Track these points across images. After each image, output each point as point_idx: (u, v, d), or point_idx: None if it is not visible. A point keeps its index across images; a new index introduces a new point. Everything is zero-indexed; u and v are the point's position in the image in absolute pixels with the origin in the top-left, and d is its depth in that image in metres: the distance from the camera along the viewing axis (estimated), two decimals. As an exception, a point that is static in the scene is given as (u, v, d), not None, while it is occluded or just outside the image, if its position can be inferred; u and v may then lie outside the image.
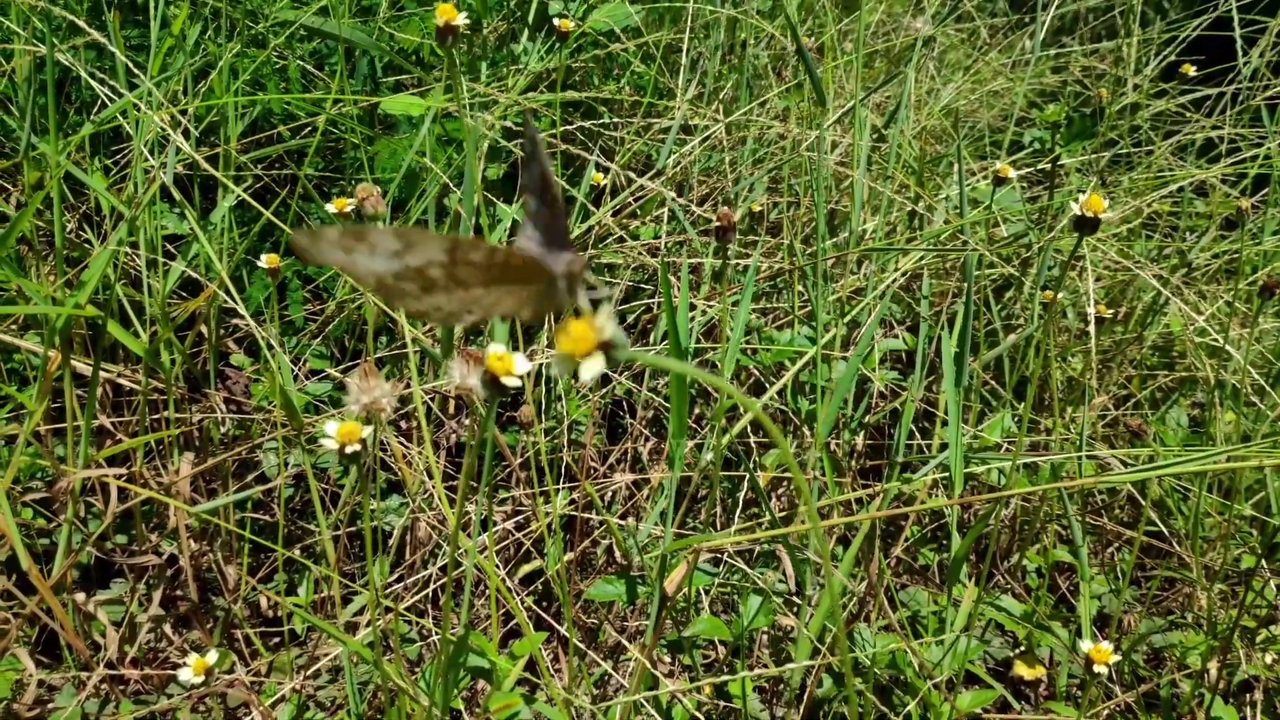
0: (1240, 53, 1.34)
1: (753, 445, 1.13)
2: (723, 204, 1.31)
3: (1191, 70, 1.30)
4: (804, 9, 1.73)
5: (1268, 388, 0.99)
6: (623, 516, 1.10)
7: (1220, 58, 1.41)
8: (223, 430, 1.06)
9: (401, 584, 0.97)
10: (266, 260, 0.87)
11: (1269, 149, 1.31)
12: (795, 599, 0.98)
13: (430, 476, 0.95)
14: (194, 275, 1.05)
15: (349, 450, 0.58)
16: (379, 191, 0.75)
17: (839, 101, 1.43)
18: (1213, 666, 0.85)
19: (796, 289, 1.15)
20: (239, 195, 0.98)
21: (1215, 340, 1.16)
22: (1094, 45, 1.98)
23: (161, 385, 0.98)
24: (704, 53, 1.32)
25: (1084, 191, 1.24)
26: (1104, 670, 0.62)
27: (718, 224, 0.65)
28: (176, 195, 0.95)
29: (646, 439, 1.17)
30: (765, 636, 1.01)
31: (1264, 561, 1.01)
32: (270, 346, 0.93)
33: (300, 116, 1.16)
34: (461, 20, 0.61)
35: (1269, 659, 0.92)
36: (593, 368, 0.30)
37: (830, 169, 1.29)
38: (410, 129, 1.15)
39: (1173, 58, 1.49)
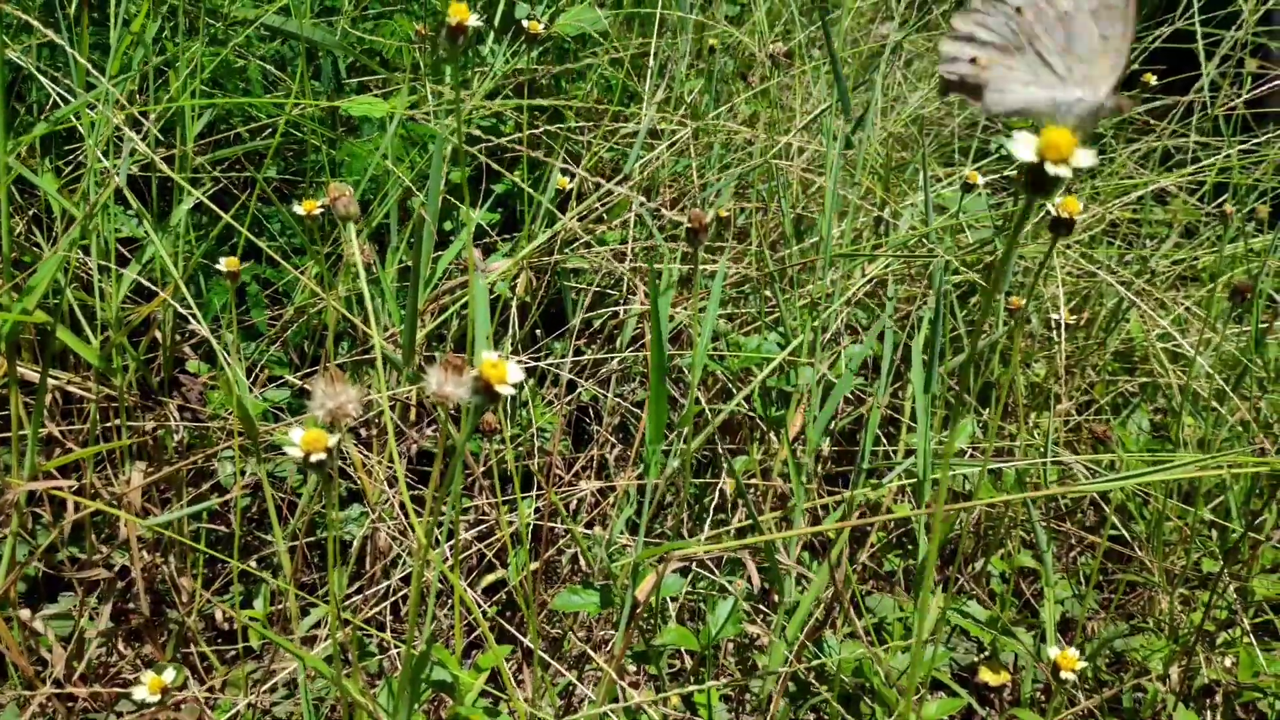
0: (1201, 63, 1.37)
1: (720, 452, 1.13)
2: (692, 208, 1.30)
3: (1153, 79, 1.32)
4: (772, 15, 1.74)
5: (1228, 392, 1.00)
6: (589, 524, 1.09)
7: (1181, 67, 1.43)
8: (177, 439, 1.03)
9: (361, 595, 0.95)
10: (225, 264, 0.85)
11: (1228, 158, 1.33)
12: (762, 606, 0.98)
13: (391, 485, 0.93)
14: (149, 280, 1.03)
15: (314, 459, 0.56)
16: (351, 191, 0.73)
17: (806, 107, 1.43)
18: (1174, 671, 0.86)
19: (764, 294, 1.15)
20: (196, 198, 0.96)
21: (1176, 346, 1.18)
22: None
23: (113, 393, 0.96)
24: (672, 57, 1.32)
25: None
26: (1070, 677, 0.62)
27: (689, 225, 0.64)
28: (131, 198, 0.92)
29: (613, 445, 1.16)
30: (731, 645, 1.00)
31: (1224, 565, 1.02)
32: (226, 353, 0.91)
33: (261, 117, 1.14)
34: (474, 21, 0.59)
35: (1229, 662, 0.93)
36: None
37: (798, 175, 1.29)
38: (375, 131, 1.13)
39: (1135, 66, 1.51)
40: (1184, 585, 1.01)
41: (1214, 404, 1.15)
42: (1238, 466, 0.81)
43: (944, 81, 0.42)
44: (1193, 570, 1.03)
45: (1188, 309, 1.27)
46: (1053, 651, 0.65)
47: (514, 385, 0.49)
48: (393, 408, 1.02)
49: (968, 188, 0.97)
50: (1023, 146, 0.36)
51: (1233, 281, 0.94)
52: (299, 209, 0.80)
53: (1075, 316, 1.28)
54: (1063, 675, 0.63)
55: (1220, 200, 1.31)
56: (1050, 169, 0.36)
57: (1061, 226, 0.57)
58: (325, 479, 0.59)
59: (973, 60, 0.42)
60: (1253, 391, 1.17)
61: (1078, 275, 1.28)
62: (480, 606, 0.92)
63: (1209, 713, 0.89)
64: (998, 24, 0.43)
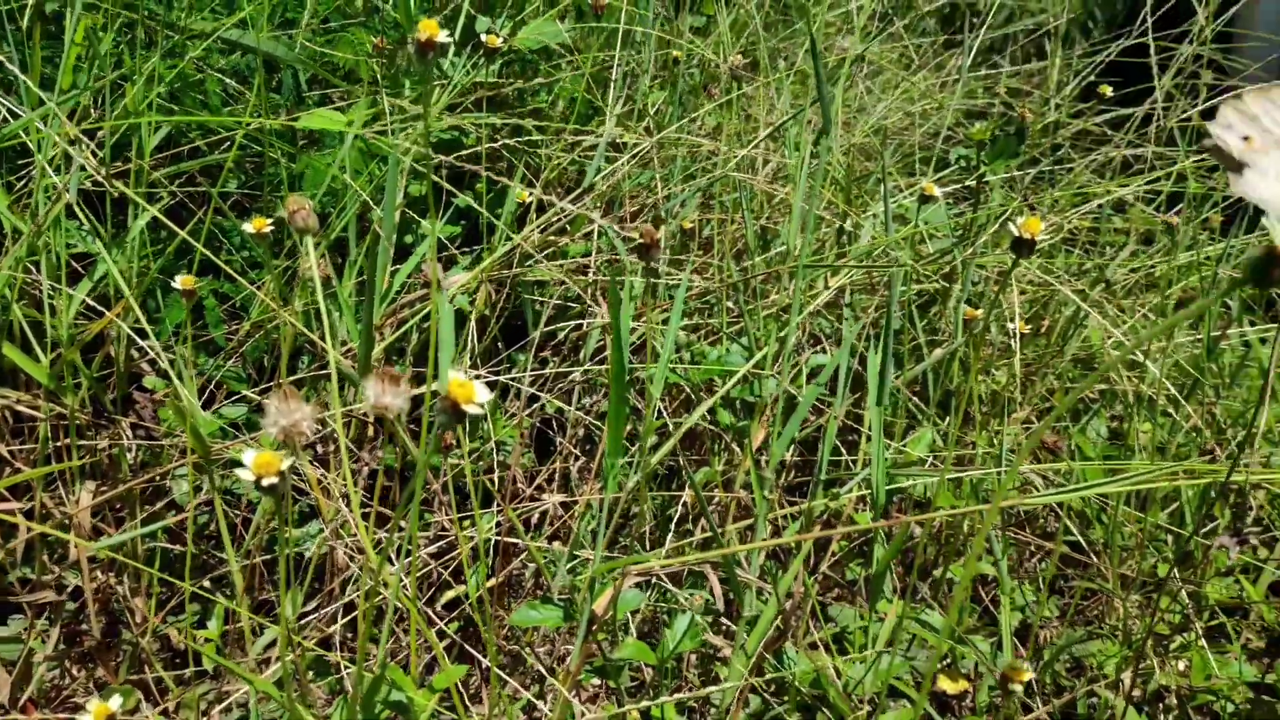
0: (1155, 76, 1.39)
1: (682, 463, 1.13)
2: (652, 221, 1.31)
3: (1109, 91, 1.34)
4: (736, 28, 1.75)
5: (1180, 400, 1.01)
6: (553, 538, 1.09)
7: (1136, 79, 1.46)
8: (131, 456, 1.02)
9: (318, 614, 0.95)
10: (181, 281, 0.84)
11: (1182, 167, 1.35)
12: (725, 619, 0.98)
13: (348, 502, 0.93)
14: (105, 296, 1.02)
15: (266, 483, 0.56)
16: (309, 204, 0.73)
17: (769, 119, 1.44)
18: (1127, 676, 0.87)
19: (725, 305, 1.15)
20: (151, 214, 0.95)
21: (1133, 354, 1.19)
22: (1021, 66, 2.04)
23: (65, 411, 0.94)
24: (635, 70, 1.32)
25: (1006, 209, 1.27)
26: (1018, 689, 0.62)
27: (641, 241, 0.65)
28: (80, 213, 0.91)
29: (576, 458, 1.16)
30: (694, 657, 1.00)
31: (1176, 570, 1.03)
32: (177, 370, 0.90)
33: (220, 131, 1.13)
34: (444, 38, 0.59)
35: (1182, 665, 0.94)
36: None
37: (762, 186, 1.30)
38: (336, 144, 1.12)
39: (1092, 79, 1.53)
40: (1139, 590, 1.03)
41: (1170, 410, 1.17)
42: (1183, 477, 0.82)
43: (1208, 137, 0.42)
44: (1148, 575, 1.04)
45: (1144, 316, 1.29)
46: (1000, 663, 0.65)
47: (481, 405, 0.49)
48: (350, 424, 1.02)
49: (925, 199, 0.98)
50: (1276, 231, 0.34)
51: (1182, 292, 0.96)
52: (249, 227, 0.79)
53: (1033, 325, 1.30)
54: (1012, 687, 0.63)
55: (1176, 209, 1.33)
56: None
57: (1023, 247, 0.57)
58: (279, 501, 0.58)
59: (1245, 138, 0.43)
60: (1206, 397, 1.19)
61: (1037, 284, 1.30)
62: (439, 624, 0.91)
63: (1163, 716, 0.90)
64: None
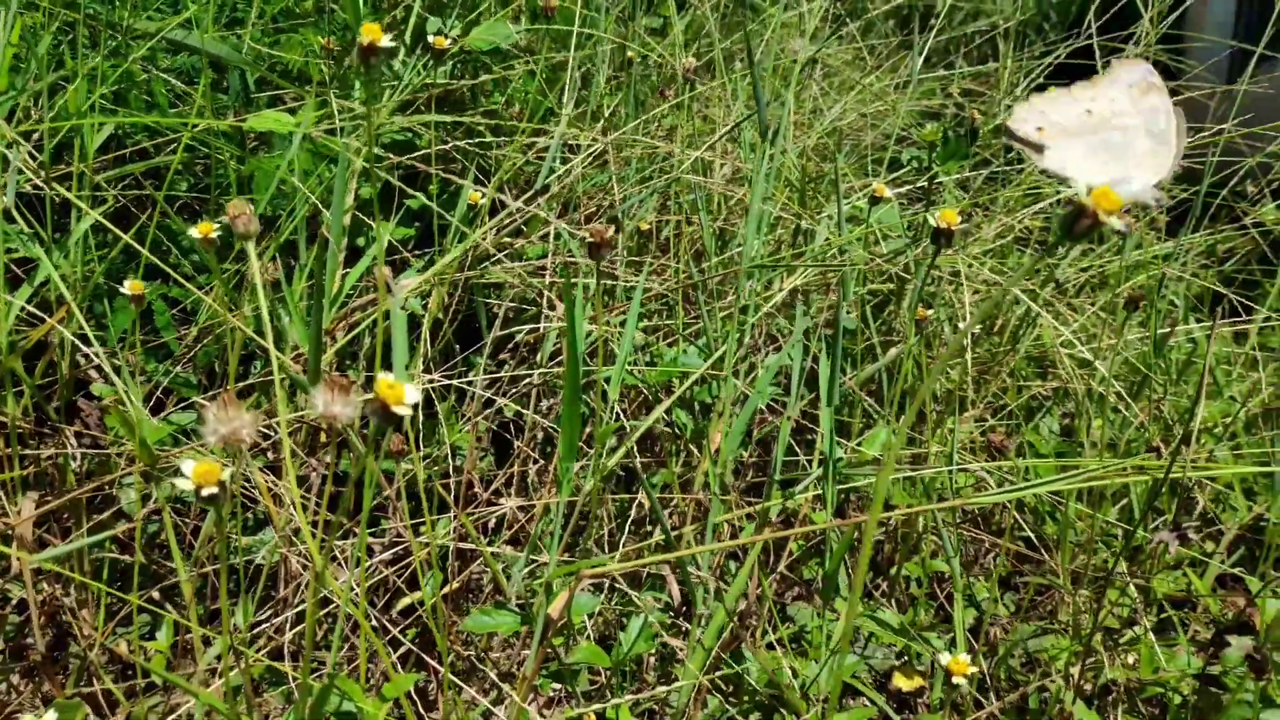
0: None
1: (638, 465, 1.12)
2: (608, 222, 1.31)
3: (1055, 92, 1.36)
4: (694, 28, 1.75)
5: (1128, 398, 1.03)
6: (512, 542, 1.08)
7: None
8: (76, 465, 0.99)
9: (270, 623, 0.93)
10: (130, 285, 0.82)
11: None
12: (683, 620, 0.98)
13: (303, 509, 0.91)
14: (47, 302, 0.99)
15: (205, 493, 0.55)
16: (251, 209, 0.72)
17: (726, 120, 1.45)
18: (1076, 670, 0.88)
19: (682, 307, 1.15)
20: (94, 218, 0.93)
21: (1083, 351, 1.21)
22: (977, 67, 2.06)
23: (4, 420, 0.92)
24: (590, 71, 1.32)
25: (957, 208, 1.28)
26: (962, 682, 0.63)
27: (590, 240, 0.64)
28: (19, 218, 0.89)
29: (535, 461, 1.15)
30: (654, 659, 1.00)
31: (1125, 565, 1.05)
32: (121, 376, 0.88)
33: (166, 133, 1.11)
34: (386, 42, 0.58)
35: (1131, 659, 0.96)
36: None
37: (719, 187, 1.30)
38: (285, 145, 1.11)
39: (1041, 80, 1.56)
40: (1090, 586, 1.04)
41: (1119, 407, 1.19)
42: (1126, 473, 0.84)
43: (1009, 130, 0.48)
44: (1099, 571, 1.06)
45: (1095, 314, 1.31)
46: (943, 657, 0.66)
47: (411, 406, 0.49)
48: (302, 430, 1.00)
49: (875, 200, 0.99)
50: (1081, 188, 0.39)
51: (1128, 292, 0.98)
52: (195, 232, 0.77)
53: (987, 324, 1.31)
54: (955, 680, 0.64)
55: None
56: (1102, 216, 0.39)
57: (941, 237, 0.59)
58: (219, 511, 0.57)
59: (1039, 128, 0.50)
60: (1154, 394, 1.21)
61: (990, 284, 1.32)
62: (393, 631, 0.90)
63: (1111, 709, 0.92)
64: (1068, 113, 0.51)
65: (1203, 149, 1.28)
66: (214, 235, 0.81)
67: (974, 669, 0.66)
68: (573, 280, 1.04)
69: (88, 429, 1.04)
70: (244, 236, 0.71)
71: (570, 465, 0.76)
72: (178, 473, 0.53)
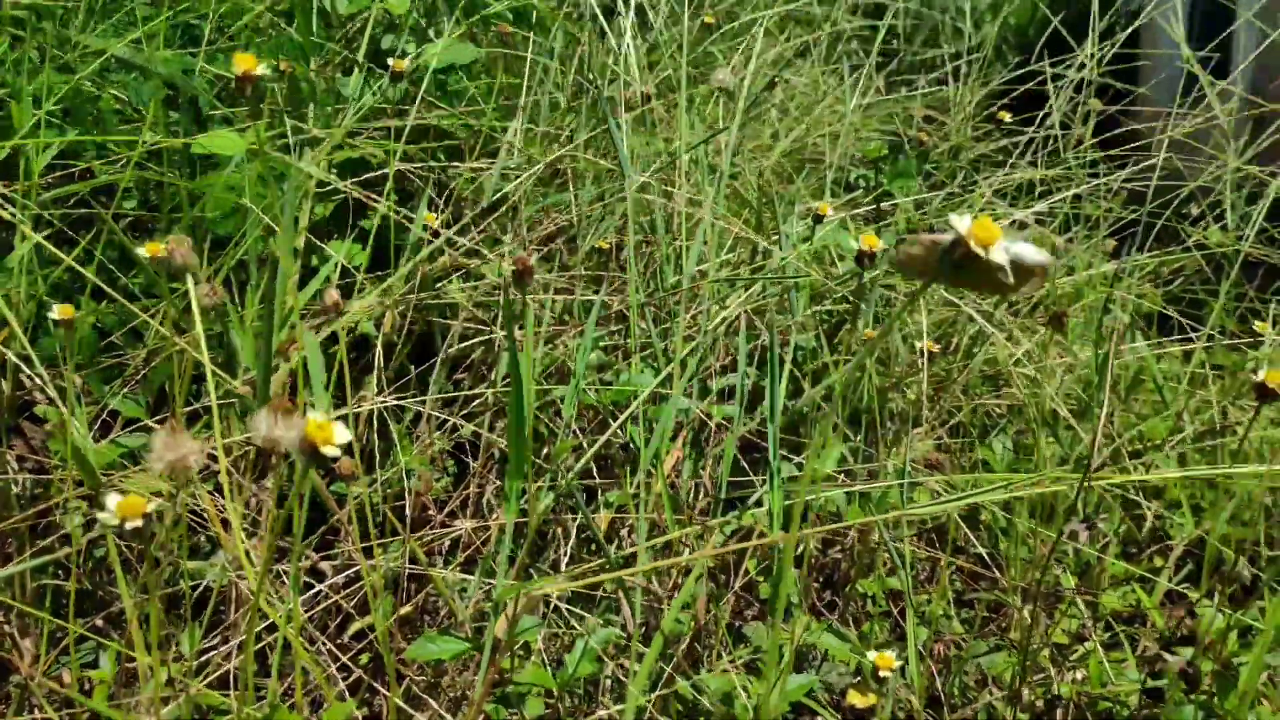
0: (1050, 102, 1.45)
1: (596, 484, 1.12)
2: (518, 251, 1.31)
3: (1007, 116, 1.39)
4: (657, 53, 1.77)
5: (1070, 418, 1.05)
6: (468, 563, 1.07)
7: (1032, 105, 1.51)
8: (19, 489, 0.97)
9: (218, 650, 0.92)
10: (59, 310, 0.81)
11: (1079, 190, 1.41)
12: (637, 642, 0.98)
13: (250, 536, 0.90)
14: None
15: (130, 526, 0.54)
16: (190, 242, 0.71)
17: (686, 141, 1.46)
18: (1025, 687, 0.89)
19: (637, 326, 1.16)
20: (35, 240, 0.92)
21: (1034, 370, 1.23)
22: (938, 89, 2.10)
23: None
24: (543, 94, 1.33)
25: (913, 229, 1.30)
26: (889, 675, 0.66)
27: (515, 268, 0.64)
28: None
29: (492, 481, 1.15)
30: (609, 681, 0.99)
31: (1075, 581, 1.07)
32: (67, 399, 0.86)
33: (115, 151, 1.09)
34: (262, 69, 0.59)
35: (1080, 675, 0.97)
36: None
37: (678, 208, 1.31)
38: (237, 165, 1.10)
39: (996, 103, 1.59)
40: (1043, 601, 1.06)
41: (1071, 423, 1.21)
42: (1041, 485, 0.85)
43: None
44: (1050, 587, 1.07)
45: (1045, 333, 1.33)
46: (871, 654, 0.67)
47: (339, 447, 0.48)
48: (250, 453, 0.99)
49: (818, 219, 1.00)
50: (959, 223, 0.37)
51: (1053, 310, 1.00)
52: (143, 251, 0.77)
53: (943, 343, 1.33)
54: (881, 674, 0.66)
55: (1071, 233, 1.38)
56: (975, 246, 0.36)
57: (864, 259, 0.61)
58: (148, 543, 0.56)
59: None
60: (1098, 412, 1.23)
61: (944, 304, 1.34)
62: (343, 659, 0.89)
63: (1059, 725, 0.93)
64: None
65: (1148, 172, 1.32)
66: (162, 255, 0.80)
67: (896, 672, 0.67)
68: (511, 301, 1.04)
69: (32, 452, 1.02)
70: (181, 270, 0.71)
71: (518, 484, 0.76)
72: (102, 507, 0.52)
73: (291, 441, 0.51)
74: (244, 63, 0.58)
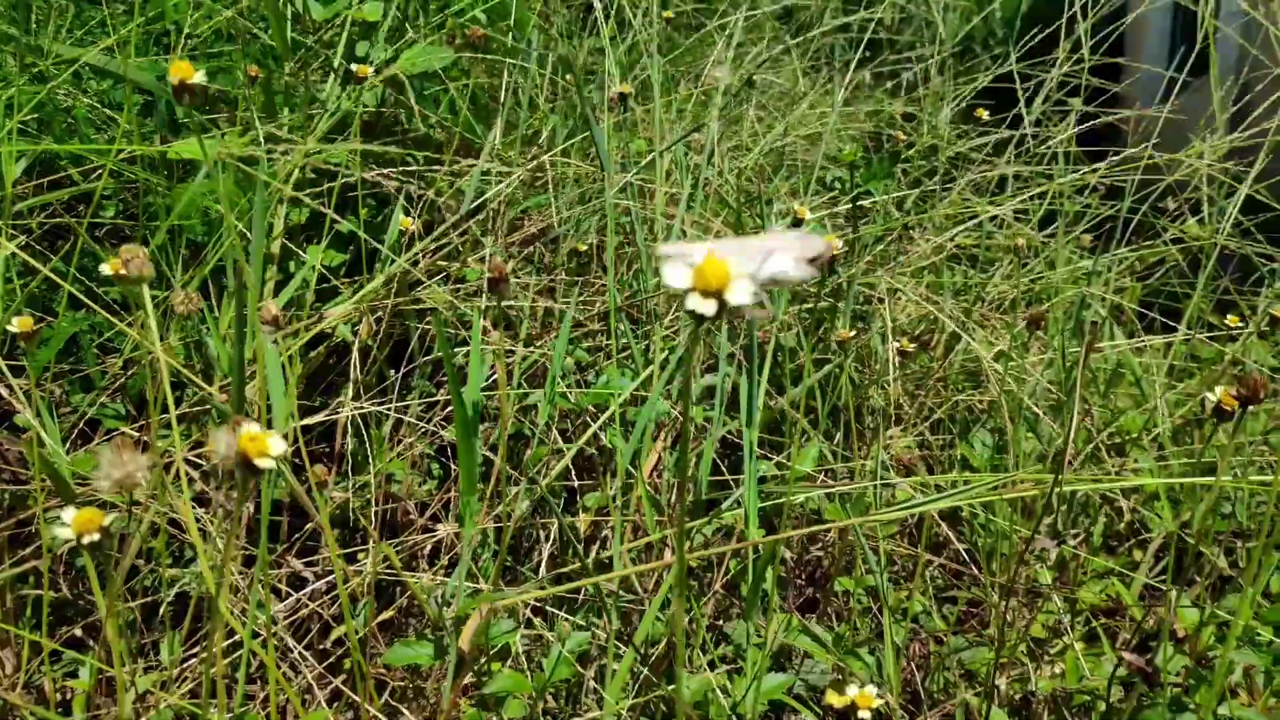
0: (1020, 101, 1.45)
1: (576, 486, 1.13)
2: (549, 243, 1.31)
3: (985, 114, 1.39)
4: (637, 51, 1.76)
5: (1041, 415, 1.05)
6: (450, 567, 1.07)
7: (1008, 105, 1.52)
8: (-4, 501, 0.97)
9: (198, 657, 0.92)
10: (18, 324, 0.80)
11: (1057, 186, 1.42)
12: (622, 644, 0.98)
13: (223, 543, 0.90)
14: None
15: (86, 540, 0.54)
16: (145, 253, 0.71)
17: (663, 142, 1.46)
18: (1002, 681, 0.90)
19: (616, 329, 1.16)
20: (9, 249, 0.91)
21: (1010, 369, 1.24)
22: (917, 89, 2.10)
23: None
24: (525, 97, 1.33)
25: (890, 228, 1.31)
26: (867, 716, 0.65)
27: (489, 276, 0.65)
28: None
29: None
30: (591, 684, 1.00)
31: (1052, 575, 1.07)
32: (40, 410, 0.86)
33: (90, 159, 1.09)
34: (200, 79, 0.58)
35: (1058, 669, 0.98)
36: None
37: (658, 209, 1.31)
38: (211, 172, 1.10)
39: (974, 100, 1.59)
40: (1020, 597, 1.06)
41: (1048, 420, 1.22)
42: (1014, 487, 0.86)
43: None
44: (1029, 583, 1.08)
45: (1023, 330, 1.34)
46: (851, 690, 0.67)
47: (274, 459, 0.48)
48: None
49: (797, 222, 1.00)
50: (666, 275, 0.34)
51: (1029, 312, 1.00)
52: (105, 268, 0.76)
53: (920, 341, 1.34)
54: (861, 714, 0.66)
55: (1050, 229, 1.39)
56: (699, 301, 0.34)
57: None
58: (106, 557, 0.56)
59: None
60: (1074, 408, 1.24)
61: (923, 301, 1.34)
62: (317, 667, 0.89)
63: (1036, 719, 0.94)
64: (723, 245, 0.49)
65: (1127, 167, 1.32)
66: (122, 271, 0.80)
67: (880, 701, 0.67)
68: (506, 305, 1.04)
69: (8, 463, 1.02)
70: (137, 281, 0.71)
71: (472, 499, 0.75)
72: (104, 505, 0.52)
73: (226, 455, 0.51)
74: (180, 71, 0.57)
